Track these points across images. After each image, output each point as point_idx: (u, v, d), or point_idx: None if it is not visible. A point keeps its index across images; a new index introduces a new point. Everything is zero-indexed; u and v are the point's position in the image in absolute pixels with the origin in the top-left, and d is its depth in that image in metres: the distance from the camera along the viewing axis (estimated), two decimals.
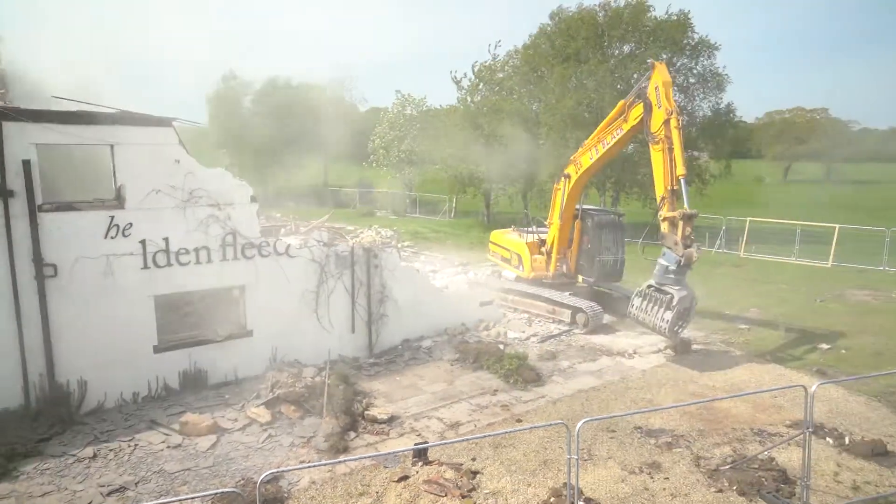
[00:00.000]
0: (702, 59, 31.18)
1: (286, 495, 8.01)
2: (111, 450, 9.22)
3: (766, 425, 10.18)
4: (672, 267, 12.72)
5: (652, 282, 13.31)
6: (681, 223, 12.52)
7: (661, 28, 30.63)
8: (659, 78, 13.28)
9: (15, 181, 9.45)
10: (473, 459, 8.92)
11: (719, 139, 33.15)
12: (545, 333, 15.39)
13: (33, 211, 9.60)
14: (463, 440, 9.41)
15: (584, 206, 17.56)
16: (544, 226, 18.20)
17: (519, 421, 10.45)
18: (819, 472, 8.57)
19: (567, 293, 16.52)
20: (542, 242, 17.98)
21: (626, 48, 31.86)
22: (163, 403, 10.85)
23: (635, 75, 29.86)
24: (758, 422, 10.29)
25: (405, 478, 8.23)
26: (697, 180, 30.63)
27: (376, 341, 13.75)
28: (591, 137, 15.84)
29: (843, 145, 73.14)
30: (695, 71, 31.43)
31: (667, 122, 12.88)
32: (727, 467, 8.67)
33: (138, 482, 8.41)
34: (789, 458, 8.91)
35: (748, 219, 28.34)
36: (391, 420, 10.36)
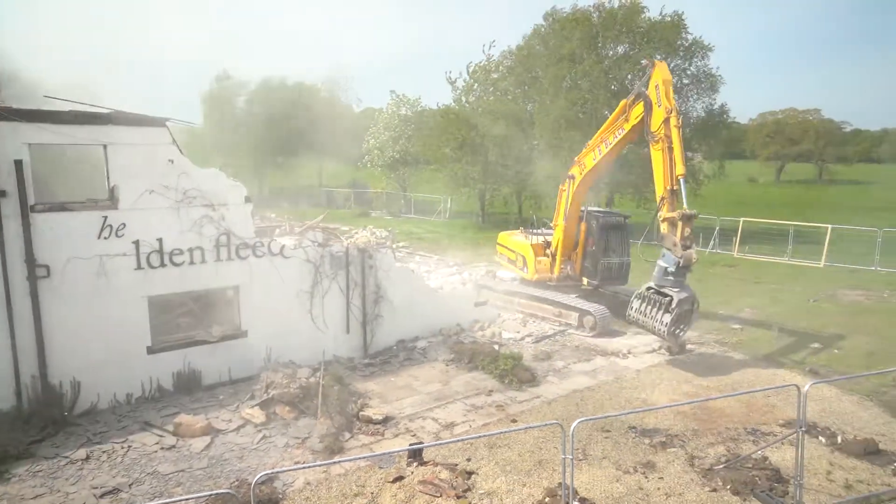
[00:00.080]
0: (695, 60, 31.32)
1: (281, 496, 8.00)
2: (104, 451, 9.17)
3: (759, 425, 10.23)
4: (671, 269, 12.49)
5: (651, 284, 13.08)
6: (680, 224, 12.35)
7: (655, 29, 30.70)
8: (659, 76, 13.15)
9: (7, 181, 9.40)
10: (468, 460, 8.93)
11: (713, 140, 33.28)
12: (540, 334, 15.41)
13: (25, 211, 9.55)
14: (458, 440, 9.41)
15: (590, 208, 17.40)
16: (551, 228, 17.92)
17: (514, 421, 10.46)
18: (812, 470, 8.62)
19: (573, 295, 16.33)
20: (548, 244, 17.71)
21: (621, 49, 31.90)
22: (156, 404, 10.81)
23: (629, 76, 29.98)
24: (751, 421, 10.35)
25: (400, 478, 8.22)
26: (691, 181, 30.69)
27: (371, 342, 13.75)
28: (594, 137, 15.66)
29: (834, 145, 73.48)
30: (688, 72, 31.55)
31: (666, 120, 12.74)
32: (721, 467, 8.72)
33: (132, 484, 8.38)
34: (783, 457, 8.97)
35: (742, 219, 28.47)
36: (386, 421, 10.35)
